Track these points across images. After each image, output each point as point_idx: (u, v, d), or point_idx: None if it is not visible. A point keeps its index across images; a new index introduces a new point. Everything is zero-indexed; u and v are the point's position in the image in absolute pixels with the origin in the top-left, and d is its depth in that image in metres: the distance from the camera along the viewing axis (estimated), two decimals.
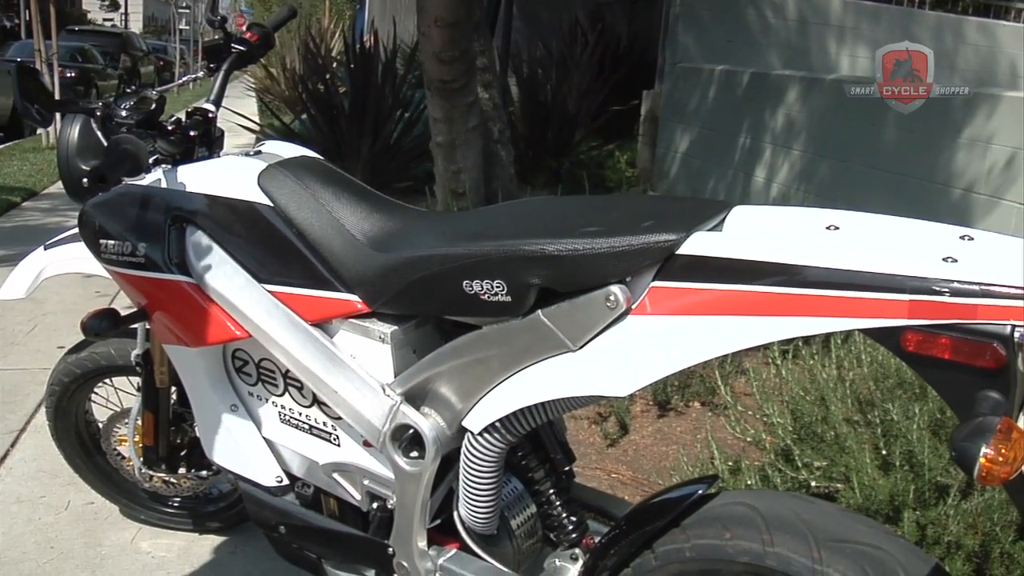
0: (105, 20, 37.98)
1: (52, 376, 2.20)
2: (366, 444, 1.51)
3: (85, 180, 1.53)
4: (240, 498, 2.18)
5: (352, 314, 1.45)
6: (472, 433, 1.35)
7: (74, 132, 1.72)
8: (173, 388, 2.03)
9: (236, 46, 1.90)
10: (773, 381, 2.67)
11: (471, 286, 1.24)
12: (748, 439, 2.50)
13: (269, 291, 1.51)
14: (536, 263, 1.18)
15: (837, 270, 0.98)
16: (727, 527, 1.21)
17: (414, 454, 1.43)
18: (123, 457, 2.29)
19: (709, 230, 1.12)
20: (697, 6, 7.06)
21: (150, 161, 1.60)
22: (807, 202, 5.06)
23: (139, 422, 2.09)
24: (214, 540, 2.33)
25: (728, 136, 6.09)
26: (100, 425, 2.31)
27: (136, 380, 2.11)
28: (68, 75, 14.12)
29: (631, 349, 1.15)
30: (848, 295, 0.97)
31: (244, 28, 2.02)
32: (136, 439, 2.11)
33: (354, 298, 1.43)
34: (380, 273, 1.37)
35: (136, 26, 43.57)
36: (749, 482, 2.29)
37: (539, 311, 1.22)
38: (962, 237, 1.01)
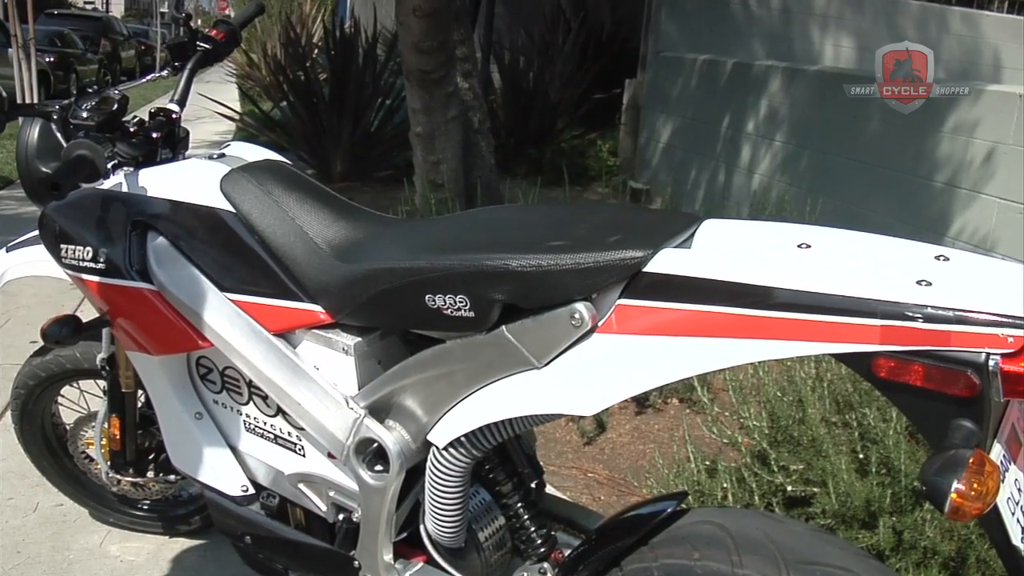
0: (86, 3, 37.55)
1: (17, 379, 2.15)
2: (330, 456, 1.48)
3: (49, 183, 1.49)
4: None
5: (315, 325, 1.41)
6: (437, 447, 1.32)
7: (33, 133, 1.67)
8: (140, 392, 1.99)
9: (201, 44, 1.85)
10: (751, 381, 2.64)
11: (434, 300, 1.21)
12: (725, 440, 2.48)
13: (231, 300, 1.47)
14: (499, 279, 1.14)
15: (807, 292, 0.95)
16: (696, 547, 1.18)
17: (378, 468, 1.39)
18: (91, 460, 2.25)
19: (677, 246, 1.09)
20: None
21: (111, 165, 1.55)
22: (789, 193, 5.04)
23: (105, 426, 2.05)
24: (184, 543, 2.30)
25: (710, 126, 6.06)
26: (67, 428, 2.27)
27: (103, 383, 2.07)
28: (47, 60, 13.96)
29: (596, 368, 1.12)
30: (818, 319, 0.94)
31: (226, 12, 1.97)
32: (103, 442, 2.07)
33: (317, 308, 1.39)
34: (343, 284, 1.33)
35: (117, 10, 43.05)
36: (725, 484, 2.27)
37: (503, 327, 1.18)
38: (937, 257, 0.98)
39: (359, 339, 1.38)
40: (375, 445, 1.38)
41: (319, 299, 1.38)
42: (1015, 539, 0.92)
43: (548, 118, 8.02)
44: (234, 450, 1.66)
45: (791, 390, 2.42)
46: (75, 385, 2.22)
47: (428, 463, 1.35)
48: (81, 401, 2.27)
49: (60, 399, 2.26)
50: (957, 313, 0.89)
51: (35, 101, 10.76)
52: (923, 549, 1.96)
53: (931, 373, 0.90)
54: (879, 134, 4.48)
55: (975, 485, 0.82)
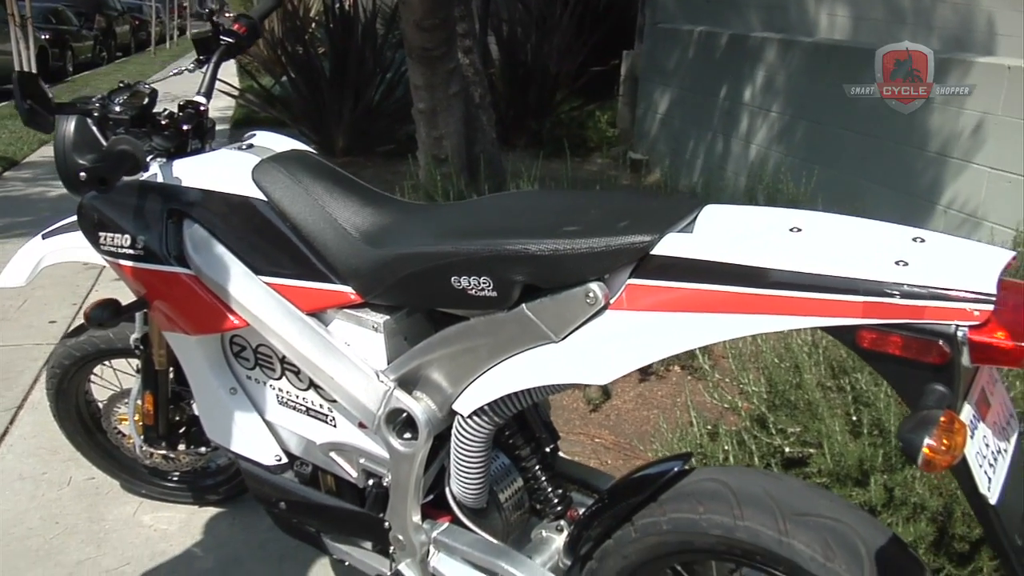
0: None
1: (52, 359, 2.27)
2: (361, 426, 1.60)
3: (82, 175, 1.59)
4: (237, 472, 2.28)
5: (346, 304, 1.52)
6: (462, 416, 1.43)
7: (70, 128, 1.76)
8: (171, 369, 2.11)
9: (225, 38, 1.95)
10: (750, 349, 2.76)
11: (459, 282, 1.32)
12: (726, 405, 2.60)
13: (266, 282, 1.58)
14: (520, 262, 1.25)
15: (798, 272, 1.07)
16: (701, 502, 1.30)
17: (407, 436, 1.51)
18: (123, 435, 2.37)
19: (681, 231, 1.19)
20: None
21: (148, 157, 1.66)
22: (785, 162, 5.13)
23: (139, 402, 2.16)
24: (213, 512, 2.42)
25: (708, 97, 6.14)
26: (100, 405, 2.39)
27: (135, 362, 2.18)
28: (43, 37, 13.96)
29: (609, 341, 1.23)
30: (808, 296, 1.06)
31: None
32: (136, 418, 2.19)
33: (348, 289, 1.50)
34: (372, 267, 1.44)
35: None
36: (726, 447, 2.39)
37: (523, 305, 1.29)
38: (914, 239, 1.09)
39: (388, 317, 1.49)
40: (404, 415, 1.49)
41: (349, 281, 1.49)
42: (982, 488, 1.03)
43: (547, 90, 8.09)
44: (267, 422, 1.77)
45: (788, 357, 2.54)
46: (108, 364, 2.33)
47: (453, 430, 1.46)
48: (114, 379, 2.38)
49: (93, 378, 2.37)
50: (930, 290, 1.00)
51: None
52: (912, 505, 2.08)
53: (908, 343, 1.01)
54: (872, 105, 4.57)
55: (944, 441, 0.94)
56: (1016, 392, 2.17)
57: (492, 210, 1.51)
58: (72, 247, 1.97)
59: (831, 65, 4.99)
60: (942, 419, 0.95)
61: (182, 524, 2.37)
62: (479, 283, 1.30)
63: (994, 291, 0.98)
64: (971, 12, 6.83)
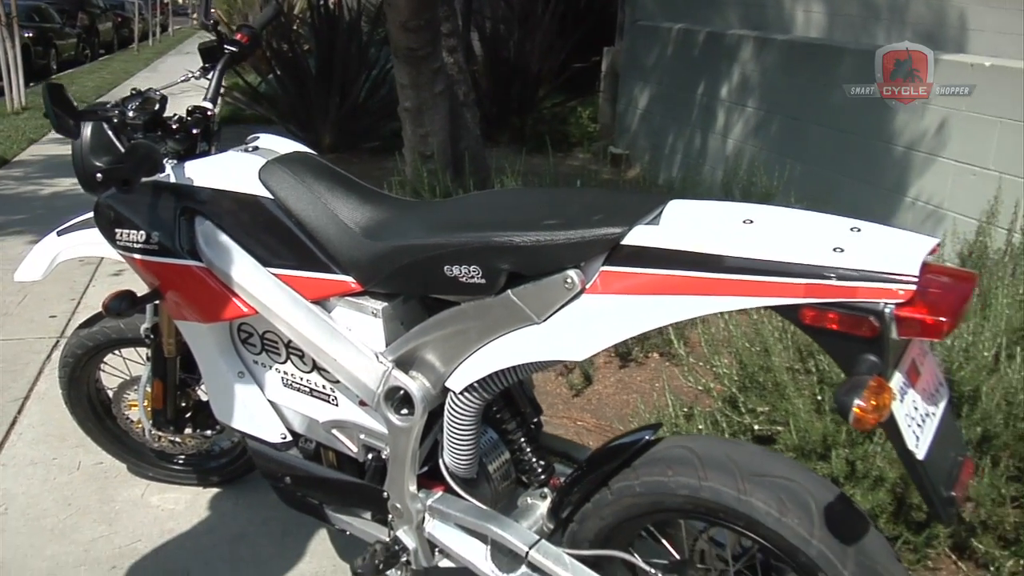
0: None
1: (65, 349, 2.40)
2: (362, 404, 1.74)
3: (99, 176, 1.74)
4: (240, 454, 2.43)
5: (347, 293, 1.67)
6: (454, 392, 1.58)
7: (87, 132, 1.89)
8: (178, 357, 2.24)
9: (228, 47, 2.08)
10: (722, 334, 2.92)
11: (451, 270, 1.47)
12: (700, 388, 2.76)
13: (273, 273, 1.72)
14: (506, 252, 1.40)
15: (750, 259, 1.22)
16: (670, 466, 1.45)
17: (404, 411, 1.66)
18: (132, 421, 2.51)
19: (648, 223, 1.34)
20: None
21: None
22: (760, 156, 5.29)
23: (148, 389, 2.30)
24: (217, 493, 2.56)
25: (686, 92, 6.30)
26: (109, 392, 2.52)
27: (144, 351, 2.32)
28: (27, 35, 13.99)
29: (586, 322, 1.38)
30: (758, 279, 1.21)
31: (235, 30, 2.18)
32: (146, 404, 2.33)
33: (348, 279, 1.65)
34: (372, 259, 1.59)
35: None
36: (701, 427, 2.55)
37: (509, 291, 1.44)
38: (852, 229, 1.24)
39: (385, 304, 1.64)
40: (401, 392, 1.64)
41: (350, 271, 1.64)
42: (910, 445, 1.19)
43: (529, 87, 8.24)
44: (273, 403, 1.92)
45: (758, 341, 2.70)
46: (118, 353, 2.47)
47: (446, 406, 1.61)
48: (122, 368, 2.52)
49: (103, 366, 2.51)
50: (862, 273, 1.15)
51: (20, 78, 10.90)
52: (873, 477, 2.25)
53: (843, 319, 1.17)
54: (844, 101, 4.73)
55: (873, 401, 1.09)
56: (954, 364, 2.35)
57: (480, 206, 1.66)
58: (87, 243, 2.11)
59: (805, 63, 5.16)
60: (871, 383, 1.10)
61: (188, 504, 2.51)
62: (469, 271, 1.45)
63: (917, 273, 1.13)
64: (943, 8, 7.01)
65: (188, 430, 2.38)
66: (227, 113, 9.30)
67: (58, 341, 3.65)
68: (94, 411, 2.53)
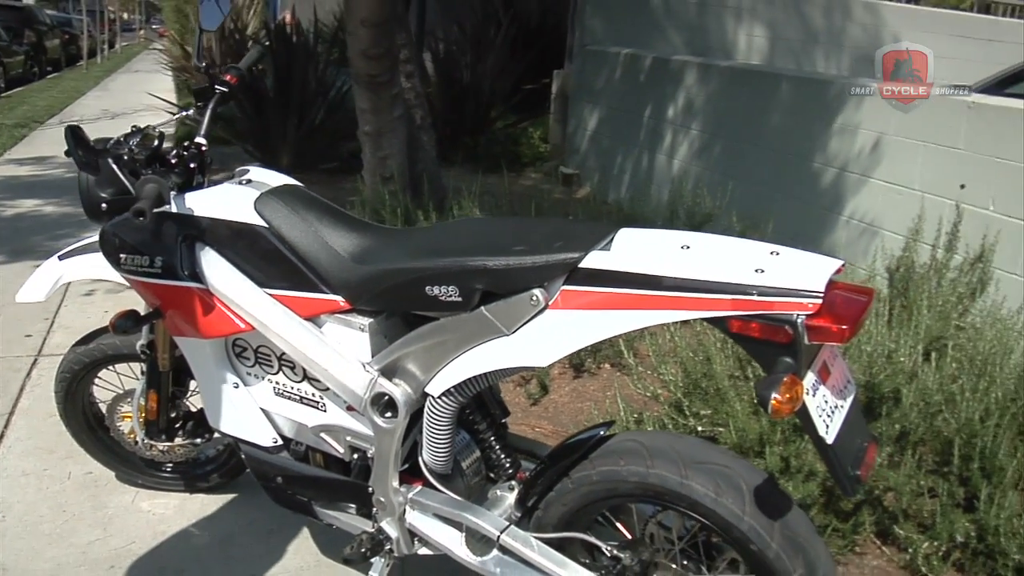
0: None
1: (63, 365, 2.58)
2: (349, 409, 1.96)
3: (104, 206, 1.95)
4: (225, 460, 2.62)
5: (336, 311, 1.88)
6: (433, 396, 1.80)
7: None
8: (171, 371, 2.44)
9: (219, 87, 2.29)
10: (669, 345, 3.17)
11: (432, 290, 1.69)
12: (648, 395, 3.00)
13: (269, 294, 1.93)
14: (480, 274, 1.63)
15: (686, 279, 1.46)
16: (622, 457, 1.69)
17: (389, 415, 1.87)
18: (125, 431, 2.69)
19: (602, 248, 1.58)
20: None
21: None
22: (704, 176, 5.59)
23: (142, 401, 2.49)
24: (204, 498, 2.75)
25: (634, 115, 6.59)
26: (102, 406, 2.70)
27: (137, 366, 2.51)
28: None
29: (549, 333, 1.62)
30: (692, 295, 1.45)
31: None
32: (140, 415, 2.51)
33: (338, 298, 1.86)
34: (360, 280, 1.81)
35: None
36: (650, 429, 2.79)
37: (482, 307, 1.67)
38: (771, 252, 1.49)
39: (371, 319, 1.86)
40: (386, 397, 1.86)
41: (340, 291, 1.85)
42: (821, 432, 1.43)
43: (482, 108, 8.48)
44: (265, 411, 2.12)
45: (701, 351, 2.95)
46: (111, 368, 2.65)
47: (426, 409, 1.83)
48: (115, 382, 2.70)
49: (96, 381, 2.69)
50: (779, 289, 1.40)
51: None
52: (805, 472, 2.50)
53: (763, 328, 1.41)
54: (783, 125, 5.05)
55: (787, 395, 1.33)
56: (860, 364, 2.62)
57: (455, 233, 1.89)
58: (89, 266, 2.30)
59: (745, 88, 5.46)
60: (786, 380, 1.35)
61: (177, 508, 2.69)
62: (448, 291, 1.67)
63: (823, 290, 1.38)
64: (879, 34, 7.39)
65: (178, 439, 2.57)
66: (183, 133, 9.41)
67: (36, 359, 3.80)
68: (88, 423, 2.70)
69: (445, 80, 8.45)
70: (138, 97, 13.32)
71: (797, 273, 1.42)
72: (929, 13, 9.60)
